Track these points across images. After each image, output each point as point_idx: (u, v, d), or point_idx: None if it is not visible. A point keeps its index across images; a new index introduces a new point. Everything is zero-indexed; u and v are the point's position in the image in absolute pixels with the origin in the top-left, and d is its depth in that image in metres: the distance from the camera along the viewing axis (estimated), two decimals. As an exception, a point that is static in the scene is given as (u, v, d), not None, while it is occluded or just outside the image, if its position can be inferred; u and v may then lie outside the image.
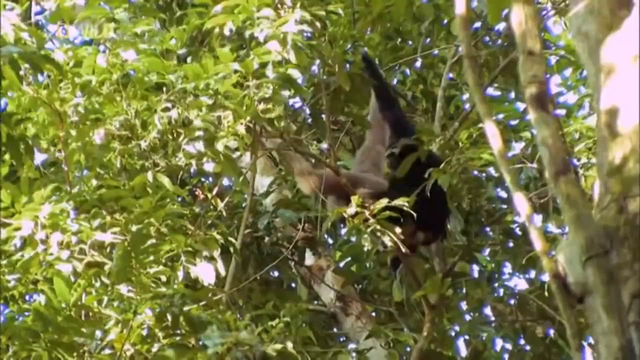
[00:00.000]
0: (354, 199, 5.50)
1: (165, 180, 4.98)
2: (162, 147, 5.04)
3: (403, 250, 5.64)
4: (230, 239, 5.53)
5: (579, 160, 5.97)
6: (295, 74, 5.11)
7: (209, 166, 5.11)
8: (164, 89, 5.05)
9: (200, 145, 4.97)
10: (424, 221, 5.89)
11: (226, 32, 5.22)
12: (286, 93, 5.13)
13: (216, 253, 5.05)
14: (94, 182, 5.12)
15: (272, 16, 5.12)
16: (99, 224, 4.65)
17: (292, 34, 5.06)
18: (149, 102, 5.02)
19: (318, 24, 5.19)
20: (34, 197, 4.60)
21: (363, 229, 5.52)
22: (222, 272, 5.14)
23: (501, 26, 6.80)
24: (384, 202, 5.50)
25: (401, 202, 5.48)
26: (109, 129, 4.99)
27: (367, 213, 5.48)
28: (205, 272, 4.98)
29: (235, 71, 5.01)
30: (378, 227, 5.48)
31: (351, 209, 5.48)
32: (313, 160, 6.33)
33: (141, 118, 5.02)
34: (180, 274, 4.91)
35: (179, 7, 6.29)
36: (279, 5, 5.20)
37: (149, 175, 4.96)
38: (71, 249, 4.57)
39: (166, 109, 5.00)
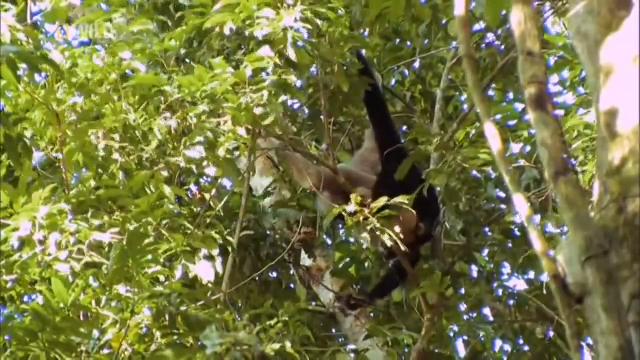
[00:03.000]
0: (353, 197, 5.49)
1: (166, 189, 4.96)
2: (163, 156, 5.03)
3: (402, 248, 5.63)
4: (229, 238, 5.52)
5: (576, 159, 5.95)
6: (292, 79, 5.09)
7: (211, 171, 5.09)
8: (162, 97, 5.03)
9: (201, 150, 4.96)
10: (423, 213, 5.91)
11: (226, 32, 5.20)
12: (283, 98, 5.10)
13: (215, 252, 5.04)
14: (92, 183, 5.11)
15: (272, 16, 5.10)
16: (98, 225, 4.65)
17: (293, 32, 5.03)
18: (147, 111, 5.00)
19: (319, 22, 5.16)
20: (32, 197, 4.59)
21: (362, 227, 5.50)
22: (221, 271, 5.13)
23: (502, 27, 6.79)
24: (383, 200, 5.49)
25: (401, 199, 5.47)
26: (109, 135, 4.98)
27: (366, 211, 5.48)
28: (204, 270, 4.97)
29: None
30: (378, 225, 5.47)
31: (350, 207, 5.47)
32: (315, 162, 6.31)
33: (141, 129, 5.01)
34: (178, 273, 4.91)
35: (177, 10, 6.28)
36: (280, 5, 5.17)
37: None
38: (69, 250, 4.56)
39: (165, 118, 4.99)
